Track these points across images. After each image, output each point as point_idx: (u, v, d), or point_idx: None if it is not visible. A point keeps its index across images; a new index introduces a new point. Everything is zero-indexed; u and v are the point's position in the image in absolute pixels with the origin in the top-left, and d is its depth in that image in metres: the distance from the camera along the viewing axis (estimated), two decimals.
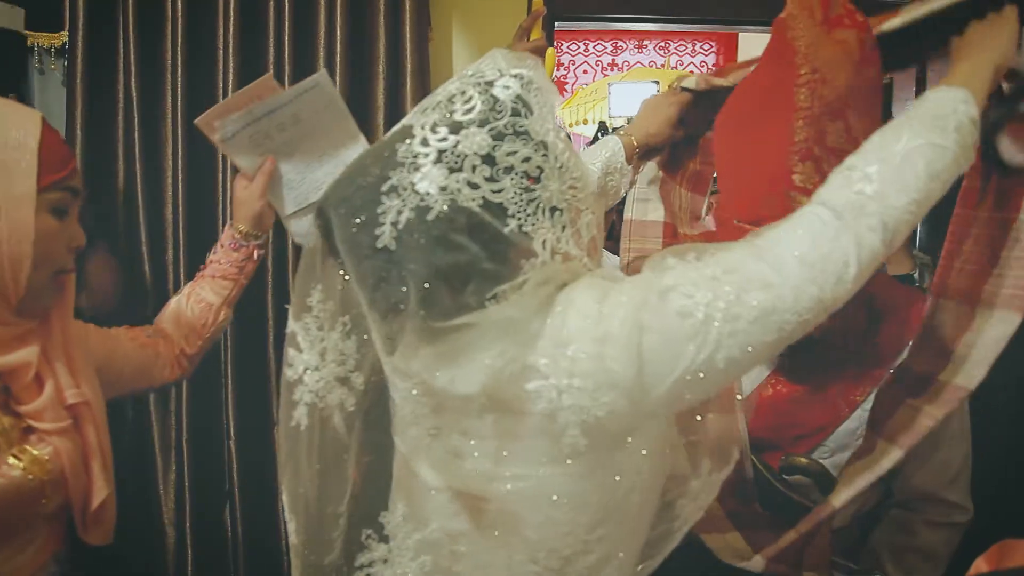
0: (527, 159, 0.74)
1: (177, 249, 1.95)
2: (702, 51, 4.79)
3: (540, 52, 1.40)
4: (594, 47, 4.79)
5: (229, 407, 1.99)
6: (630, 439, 0.81)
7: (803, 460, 1.12)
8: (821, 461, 1.13)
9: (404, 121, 0.80)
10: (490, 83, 0.77)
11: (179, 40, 1.90)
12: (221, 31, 1.92)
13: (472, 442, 0.80)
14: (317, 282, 0.84)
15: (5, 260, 0.86)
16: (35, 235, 0.88)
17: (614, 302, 0.74)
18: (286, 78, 1.92)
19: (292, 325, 0.85)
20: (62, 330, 0.99)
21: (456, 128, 0.74)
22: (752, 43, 4.55)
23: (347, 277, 0.82)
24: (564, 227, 0.77)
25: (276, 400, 2.01)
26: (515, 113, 0.76)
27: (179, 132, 1.92)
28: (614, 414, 0.74)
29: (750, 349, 0.72)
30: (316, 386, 0.85)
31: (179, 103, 1.91)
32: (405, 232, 0.73)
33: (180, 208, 1.94)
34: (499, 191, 0.73)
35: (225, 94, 1.91)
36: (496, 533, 0.83)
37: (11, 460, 0.88)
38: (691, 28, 4.73)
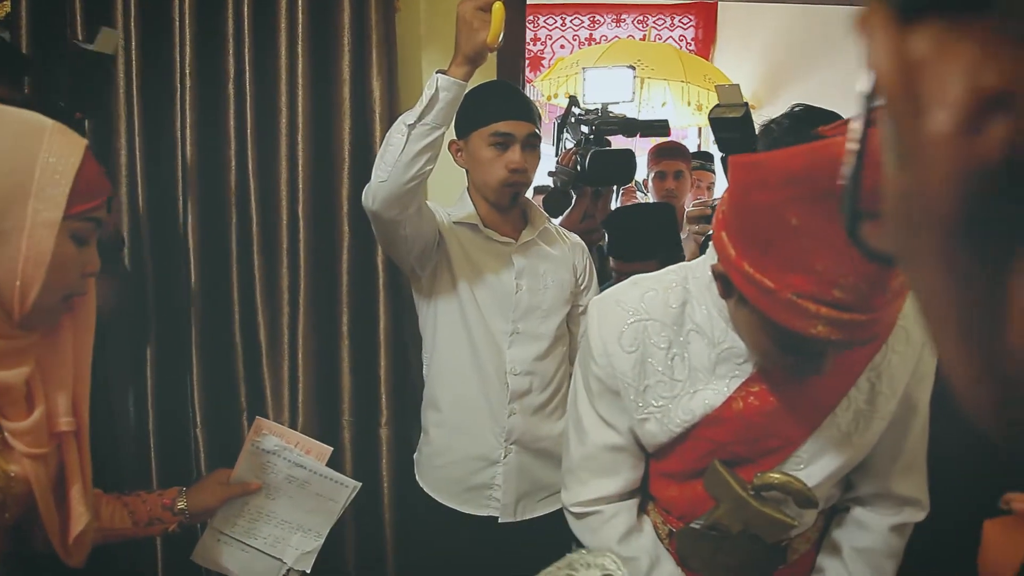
0: None
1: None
2: (680, 25, 4.71)
3: (487, 7, 1.34)
4: (571, 21, 4.71)
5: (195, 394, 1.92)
6: None
7: (777, 477, 1.09)
8: (795, 473, 1.10)
9: None
10: None
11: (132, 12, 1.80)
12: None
13: None
14: None
15: (17, 281, 0.86)
16: (52, 260, 0.88)
17: None
18: (245, 49, 1.84)
19: None
20: (76, 350, 0.97)
21: None
22: (731, 15, 4.49)
23: None
24: None
25: (243, 387, 1.94)
26: None
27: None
28: None
29: None
30: None
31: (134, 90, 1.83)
32: None
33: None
34: None
35: (182, 71, 1.82)
36: None
37: None
38: (670, 0, 4.66)
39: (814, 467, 1.11)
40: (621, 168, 2.01)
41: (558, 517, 1.69)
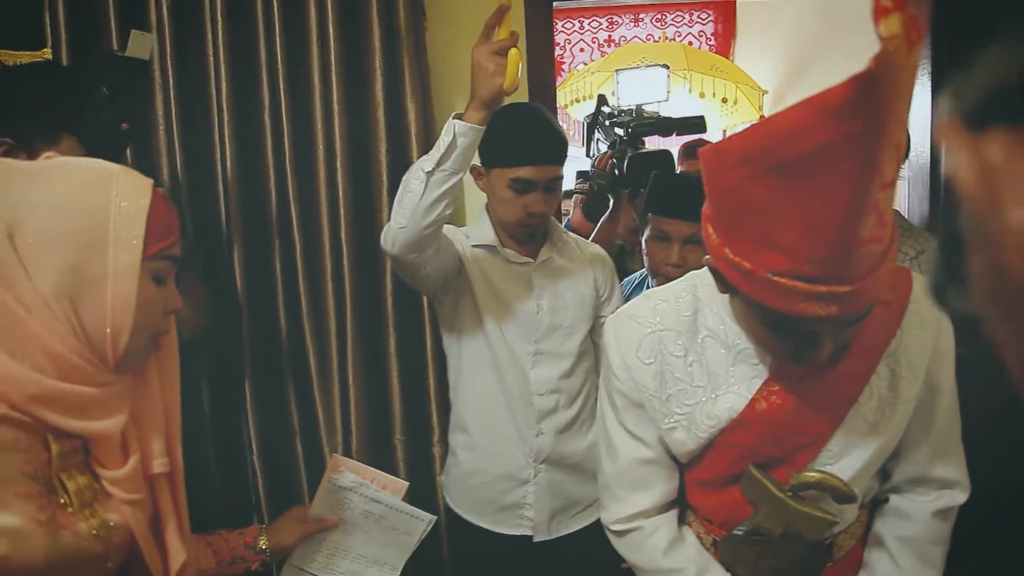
0: None
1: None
2: (699, 20, 4.69)
3: (503, 52, 1.31)
4: (589, 24, 4.70)
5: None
6: None
7: (813, 476, 1.09)
8: (828, 468, 1.10)
9: None
10: None
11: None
12: (209, 32, 1.86)
13: None
14: None
15: (108, 328, 0.87)
16: (136, 303, 0.89)
17: None
18: (280, 78, 1.86)
19: None
20: (163, 389, 0.98)
21: None
22: (750, 9, 4.46)
23: None
24: None
25: (295, 412, 1.97)
26: None
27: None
28: None
29: None
30: None
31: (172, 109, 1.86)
32: None
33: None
34: None
35: (219, 104, 1.85)
36: None
37: (81, 524, 0.87)
38: None
39: (846, 460, 1.10)
40: (660, 169, 1.98)
41: (593, 531, 1.68)
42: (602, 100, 2.27)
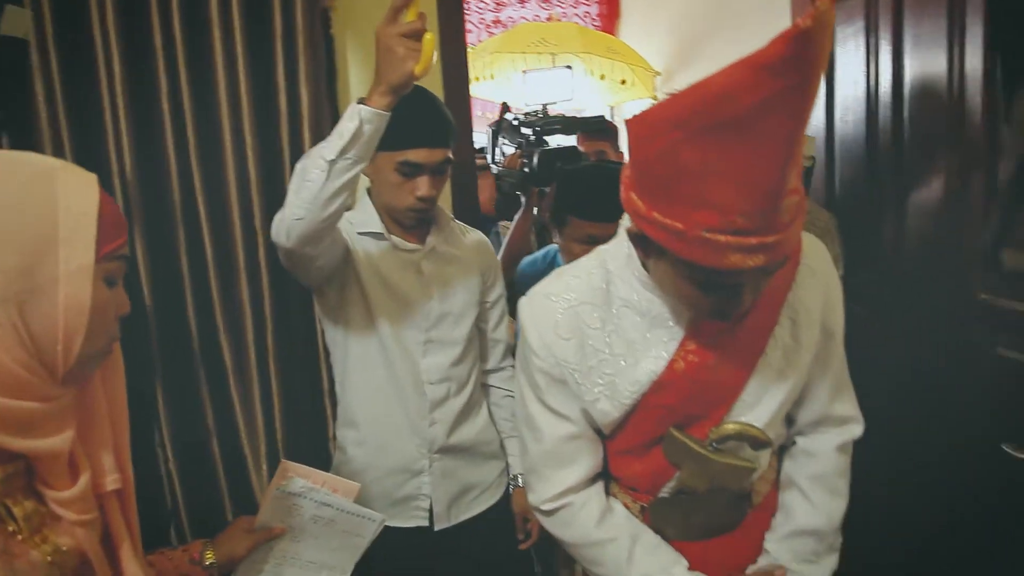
0: None
1: None
2: (584, 1, 4.76)
3: (416, 36, 1.24)
4: (476, 5, 4.67)
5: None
6: None
7: (732, 427, 1.15)
8: (743, 418, 1.17)
9: None
10: None
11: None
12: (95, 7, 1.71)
13: None
14: None
15: (60, 334, 0.80)
16: (90, 307, 0.82)
17: None
18: (178, 56, 1.75)
19: None
20: (110, 402, 0.91)
21: None
22: None
23: None
24: None
25: (210, 412, 1.88)
26: None
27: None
28: None
29: None
30: None
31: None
32: None
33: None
34: None
35: (111, 88, 1.72)
36: None
37: (33, 552, 0.80)
38: None
39: (759, 409, 1.17)
40: (568, 163, 2.06)
41: (490, 514, 1.74)
42: (505, 108, 2.39)
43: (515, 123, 2.24)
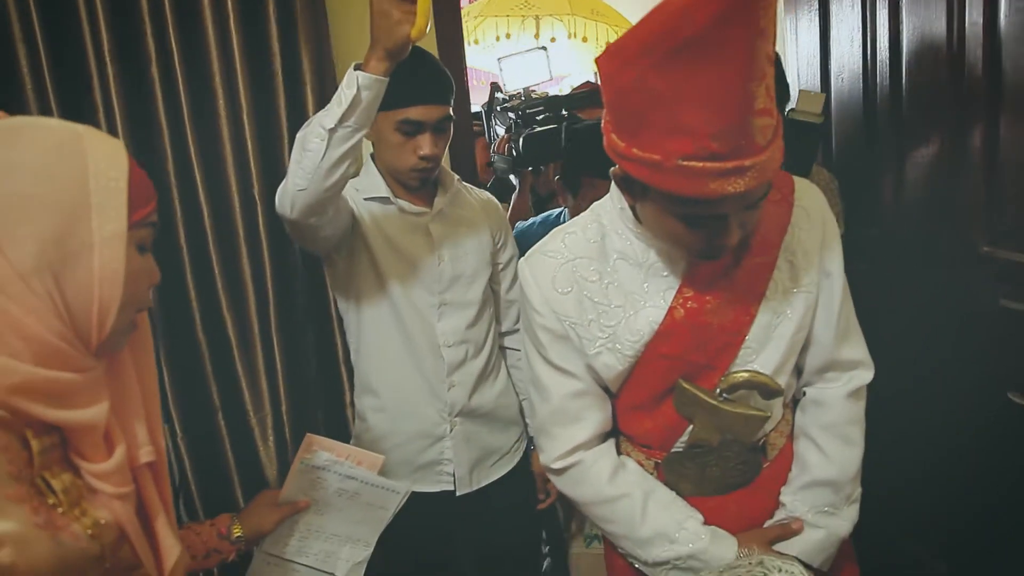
0: None
1: None
2: None
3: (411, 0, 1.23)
4: None
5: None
6: None
7: (742, 375, 1.16)
8: (751, 365, 1.17)
9: None
10: None
11: None
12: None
13: None
14: None
15: (95, 304, 0.78)
16: (125, 275, 0.80)
17: None
18: (168, 25, 1.69)
19: None
20: (139, 371, 0.89)
21: None
22: None
23: None
24: None
25: (215, 387, 1.85)
26: None
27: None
28: None
29: None
30: None
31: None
32: None
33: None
34: None
35: (99, 57, 1.66)
36: None
37: (75, 525, 0.78)
38: None
39: (766, 354, 1.18)
40: (552, 145, 2.06)
41: (513, 477, 1.75)
42: (495, 87, 2.39)
43: (499, 108, 2.27)
